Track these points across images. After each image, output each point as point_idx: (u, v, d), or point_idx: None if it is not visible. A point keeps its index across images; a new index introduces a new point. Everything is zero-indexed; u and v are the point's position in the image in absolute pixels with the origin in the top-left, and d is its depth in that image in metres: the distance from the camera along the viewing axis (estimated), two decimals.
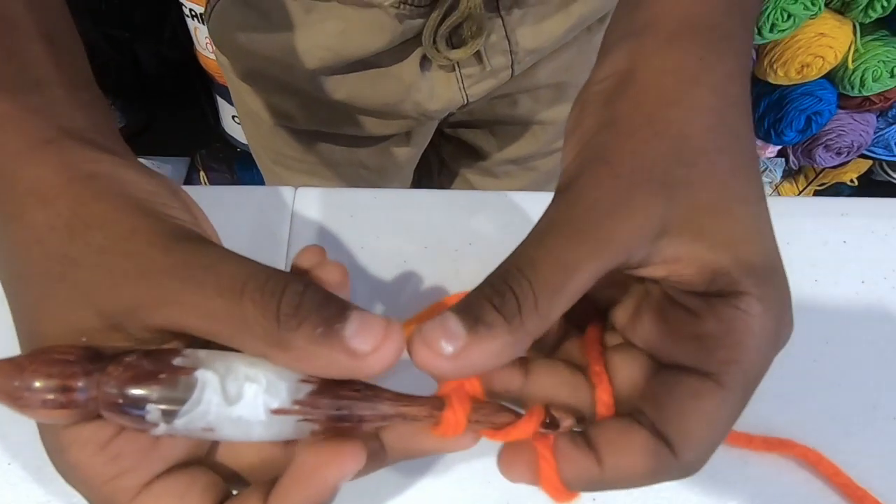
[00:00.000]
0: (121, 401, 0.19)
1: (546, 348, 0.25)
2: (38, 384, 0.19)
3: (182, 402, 0.19)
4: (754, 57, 1.10)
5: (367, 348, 0.18)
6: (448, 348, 0.19)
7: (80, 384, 0.19)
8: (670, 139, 0.22)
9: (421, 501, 0.33)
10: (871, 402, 0.36)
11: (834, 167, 1.30)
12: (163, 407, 0.19)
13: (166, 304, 0.19)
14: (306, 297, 0.19)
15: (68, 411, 0.19)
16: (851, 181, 1.41)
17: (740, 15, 0.25)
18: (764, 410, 0.36)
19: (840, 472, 0.33)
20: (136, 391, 0.19)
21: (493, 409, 0.22)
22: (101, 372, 0.19)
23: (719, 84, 0.23)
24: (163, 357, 0.20)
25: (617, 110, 0.23)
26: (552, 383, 0.23)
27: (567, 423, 0.22)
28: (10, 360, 0.19)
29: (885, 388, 0.37)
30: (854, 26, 1.03)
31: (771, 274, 0.21)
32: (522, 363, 0.23)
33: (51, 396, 0.19)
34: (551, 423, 0.22)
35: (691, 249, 0.21)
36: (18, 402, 0.19)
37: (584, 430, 0.22)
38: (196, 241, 0.21)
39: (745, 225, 0.21)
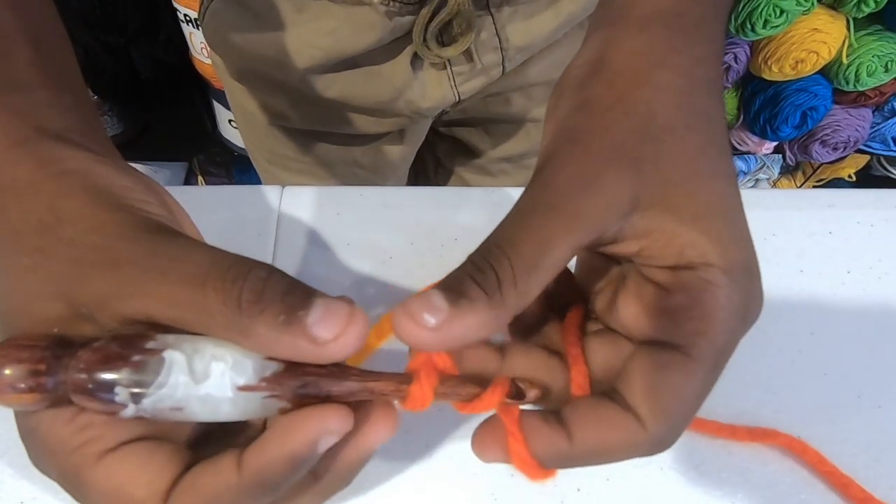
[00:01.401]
0: (90, 385, 0.19)
1: (525, 330, 0.26)
2: (7, 371, 0.19)
3: (150, 382, 0.19)
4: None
5: (328, 335, 0.19)
6: (431, 321, 0.19)
7: (48, 370, 0.19)
8: (639, 117, 0.22)
9: (407, 494, 0.33)
10: (855, 391, 0.36)
11: (831, 162, 1.30)
12: (132, 388, 0.19)
13: (133, 294, 0.19)
14: (269, 283, 0.19)
15: (37, 397, 0.19)
16: (850, 176, 1.41)
17: (711, 2, 0.26)
18: (749, 400, 0.36)
19: (825, 460, 0.33)
20: (105, 374, 0.19)
21: (459, 381, 0.22)
22: (70, 357, 0.19)
23: (688, 66, 0.24)
24: (131, 341, 0.20)
25: (589, 93, 0.24)
26: (528, 365, 0.23)
27: (532, 393, 0.22)
28: None
29: (870, 377, 0.37)
30: (847, 21, 1.03)
31: (738, 247, 0.22)
32: (497, 348, 0.24)
33: (21, 384, 0.19)
34: (517, 394, 0.22)
35: (661, 222, 0.21)
36: None
37: (557, 409, 0.22)
38: (165, 232, 0.21)
39: (713, 199, 0.22)
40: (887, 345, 0.38)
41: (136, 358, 0.19)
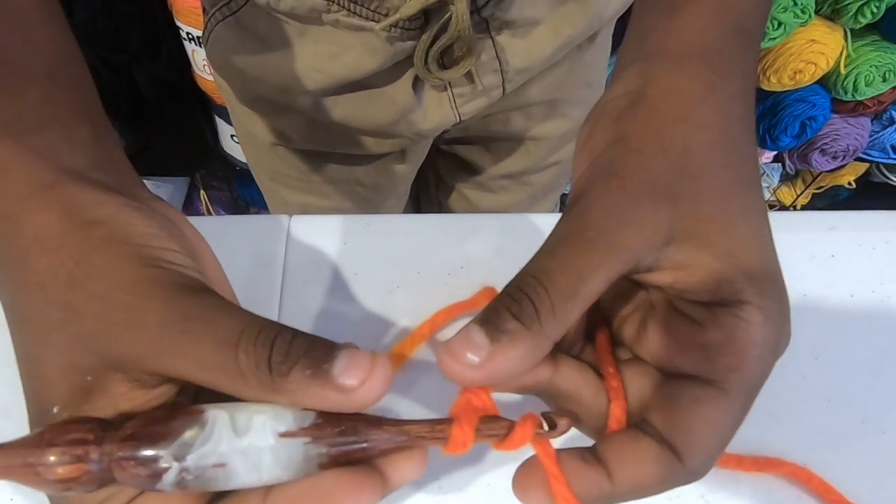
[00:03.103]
0: (134, 452, 0.19)
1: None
2: (53, 458, 0.19)
3: (194, 438, 0.20)
4: None
5: (355, 383, 0.20)
6: (474, 359, 0.20)
7: (93, 456, 0.19)
8: (676, 154, 0.23)
9: None
10: (860, 416, 0.37)
11: (831, 171, 1.30)
12: (175, 450, 0.20)
13: (165, 355, 0.20)
14: (295, 343, 0.20)
15: (83, 483, 0.20)
16: (849, 184, 1.41)
17: (745, 38, 0.26)
18: (754, 427, 0.36)
19: (831, 488, 0.33)
20: (148, 448, 0.20)
21: (491, 419, 0.22)
22: (114, 432, 0.20)
23: (724, 104, 0.24)
24: (175, 406, 0.21)
25: (626, 127, 0.24)
26: (578, 380, 0.24)
27: (564, 422, 0.23)
28: (26, 439, 0.20)
29: (875, 402, 0.37)
30: (845, 32, 1.04)
31: (771, 284, 0.22)
32: (552, 357, 0.24)
33: (64, 470, 0.19)
34: (550, 426, 0.23)
35: (697, 257, 0.22)
36: (34, 478, 0.19)
37: (593, 446, 0.23)
38: (195, 292, 0.21)
39: (748, 236, 0.23)
40: (891, 369, 0.38)
41: (181, 419, 0.20)
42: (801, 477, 0.33)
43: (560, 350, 0.25)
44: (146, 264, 0.21)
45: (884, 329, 0.40)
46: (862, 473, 0.35)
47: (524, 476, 0.23)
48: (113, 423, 0.20)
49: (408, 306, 0.39)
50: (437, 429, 0.21)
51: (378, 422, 0.21)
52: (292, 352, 0.20)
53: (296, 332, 0.20)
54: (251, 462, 0.20)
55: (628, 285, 0.25)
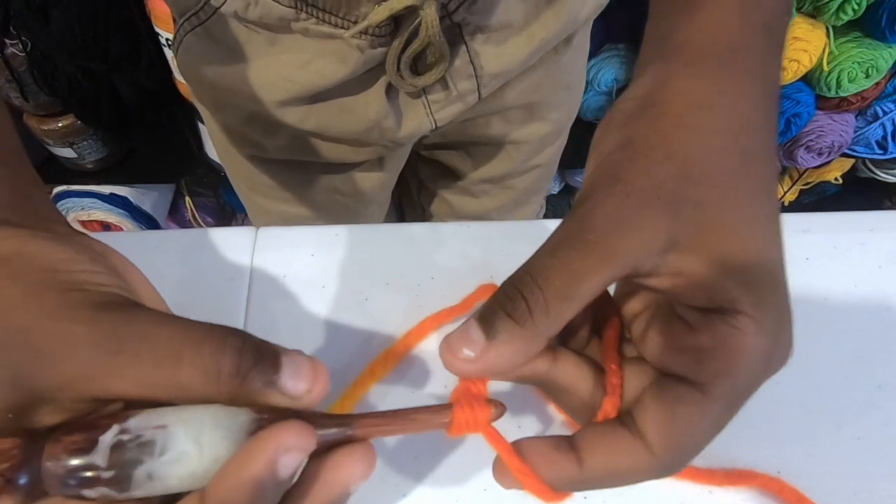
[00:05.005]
0: (67, 438, 0.19)
1: (562, 337, 0.27)
2: None
3: (133, 414, 0.20)
4: None
5: (304, 388, 0.21)
6: (470, 354, 0.22)
7: (21, 470, 0.19)
8: (681, 160, 0.23)
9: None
10: (834, 422, 0.36)
11: (817, 167, 1.30)
12: (115, 430, 0.19)
13: (100, 377, 0.19)
14: (244, 354, 0.20)
15: (10, 498, 0.19)
16: (836, 180, 1.41)
17: (764, 36, 0.26)
18: (727, 434, 0.35)
19: (804, 497, 0.33)
20: (79, 456, 0.19)
21: (444, 408, 0.23)
22: (47, 443, 0.19)
23: (736, 107, 0.24)
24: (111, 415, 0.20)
25: (634, 132, 0.24)
26: (575, 375, 0.25)
27: (494, 401, 0.24)
28: None
29: (850, 408, 0.37)
30: (827, 29, 1.03)
31: (771, 295, 0.22)
32: (552, 351, 0.25)
33: None
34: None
35: (693, 264, 0.22)
36: None
37: (572, 434, 0.24)
38: (123, 307, 0.21)
39: (750, 245, 0.22)
40: (865, 374, 0.38)
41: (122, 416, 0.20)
42: (772, 488, 0.33)
43: (564, 343, 0.26)
44: (65, 289, 0.20)
45: (859, 332, 0.39)
46: (836, 481, 0.34)
47: (501, 466, 0.24)
48: (38, 433, 0.20)
49: (377, 320, 0.39)
50: (381, 416, 0.22)
51: (322, 413, 0.22)
52: (243, 364, 0.20)
53: (244, 338, 0.21)
54: (192, 427, 0.19)
55: (640, 285, 0.25)
